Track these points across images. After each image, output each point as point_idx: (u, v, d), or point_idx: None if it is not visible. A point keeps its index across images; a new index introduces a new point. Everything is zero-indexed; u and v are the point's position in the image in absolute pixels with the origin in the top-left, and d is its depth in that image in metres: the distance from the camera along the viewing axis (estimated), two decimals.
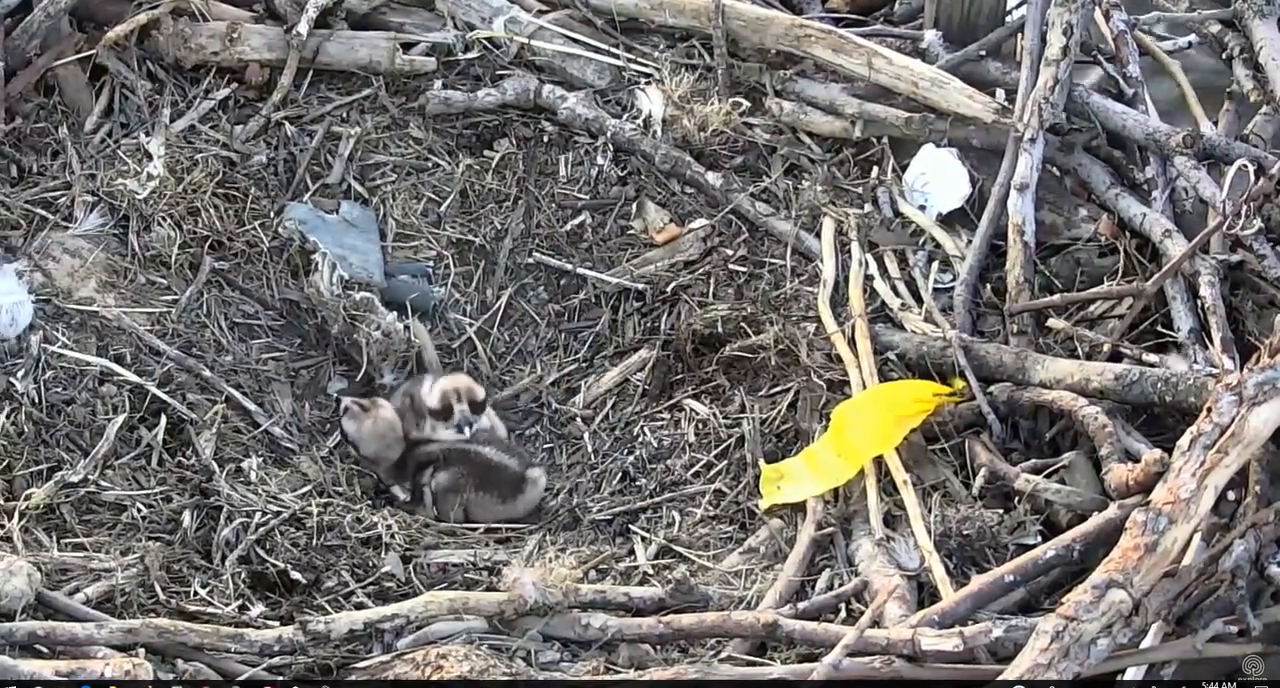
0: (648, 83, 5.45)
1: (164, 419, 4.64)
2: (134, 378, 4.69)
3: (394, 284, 5.19)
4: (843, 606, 4.08)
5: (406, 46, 5.50)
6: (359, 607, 4.14)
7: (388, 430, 4.89)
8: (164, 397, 4.67)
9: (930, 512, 4.22)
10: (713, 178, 5.26)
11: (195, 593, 4.18)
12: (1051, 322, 4.70)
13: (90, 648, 3.82)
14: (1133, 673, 3.66)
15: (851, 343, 4.70)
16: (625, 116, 5.39)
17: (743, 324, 4.87)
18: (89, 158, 5.17)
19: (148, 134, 5.22)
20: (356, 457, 4.90)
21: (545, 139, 5.42)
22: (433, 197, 5.36)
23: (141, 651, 3.79)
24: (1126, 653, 3.64)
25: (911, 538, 4.17)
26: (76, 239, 4.99)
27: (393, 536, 4.45)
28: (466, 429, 4.84)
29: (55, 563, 4.17)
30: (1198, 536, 3.80)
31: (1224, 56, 5.32)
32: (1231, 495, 3.92)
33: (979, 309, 4.82)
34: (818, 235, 5.09)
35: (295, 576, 4.27)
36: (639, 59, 5.50)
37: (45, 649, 3.83)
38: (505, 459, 4.76)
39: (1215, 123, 5.17)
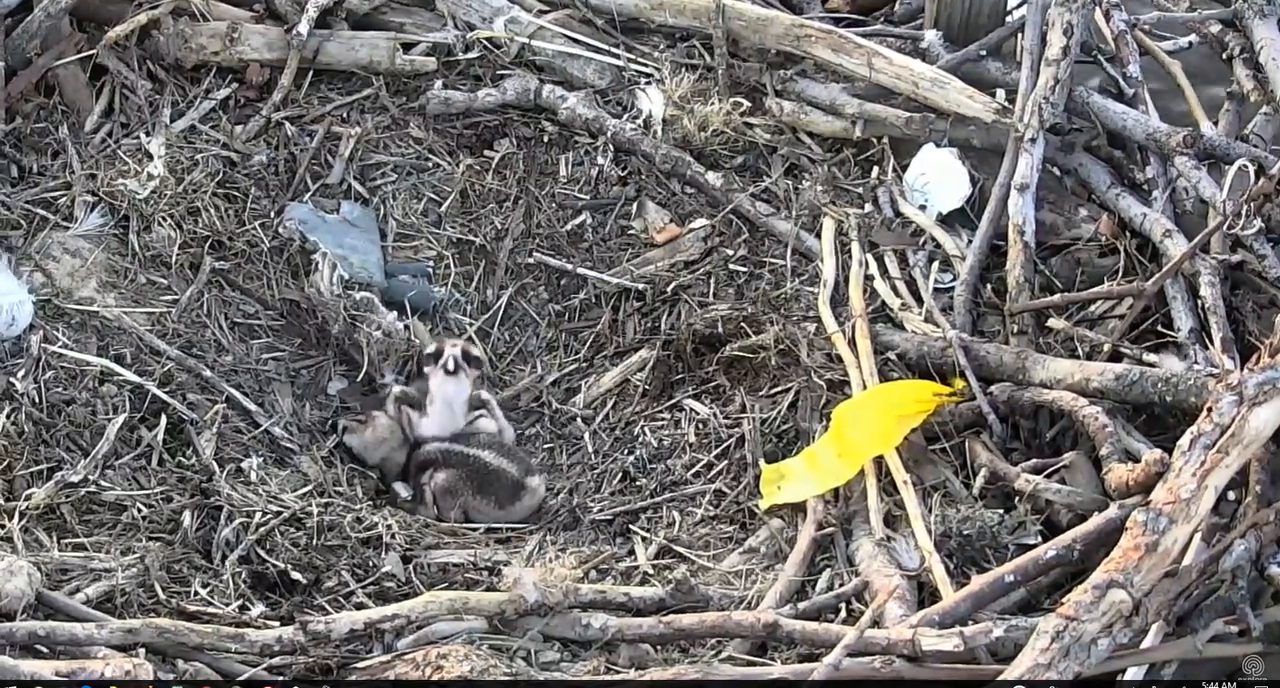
0: (648, 83, 5.45)
1: (164, 419, 4.64)
2: (134, 378, 4.68)
3: (394, 284, 5.19)
4: (843, 606, 4.08)
5: (407, 46, 5.50)
6: (359, 607, 4.14)
7: (388, 435, 4.91)
8: (164, 397, 4.67)
9: (930, 512, 4.22)
10: (713, 178, 5.26)
11: (195, 593, 4.18)
12: (1052, 322, 4.70)
13: (90, 648, 3.82)
14: (1133, 673, 3.66)
15: (852, 343, 4.70)
16: (625, 116, 5.39)
17: (743, 324, 4.87)
18: (89, 158, 5.16)
19: (148, 134, 5.22)
20: (364, 468, 4.90)
21: (545, 139, 5.42)
22: (433, 196, 5.36)
23: (142, 651, 3.79)
24: (1127, 653, 3.64)
25: (912, 538, 4.17)
26: (77, 239, 4.99)
27: (393, 536, 4.45)
28: (451, 365, 4.86)
29: (55, 563, 4.17)
30: (1198, 536, 3.79)
31: (1224, 56, 5.31)
32: (1232, 496, 3.92)
33: (979, 309, 4.82)
34: (818, 235, 5.09)
35: (295, 576, 4.27)
36: (639, 59, 5.50)
37: (45, 649, 3.83)
38: (505, 465, 4.76)
39: (1215, 123, 5.17)
